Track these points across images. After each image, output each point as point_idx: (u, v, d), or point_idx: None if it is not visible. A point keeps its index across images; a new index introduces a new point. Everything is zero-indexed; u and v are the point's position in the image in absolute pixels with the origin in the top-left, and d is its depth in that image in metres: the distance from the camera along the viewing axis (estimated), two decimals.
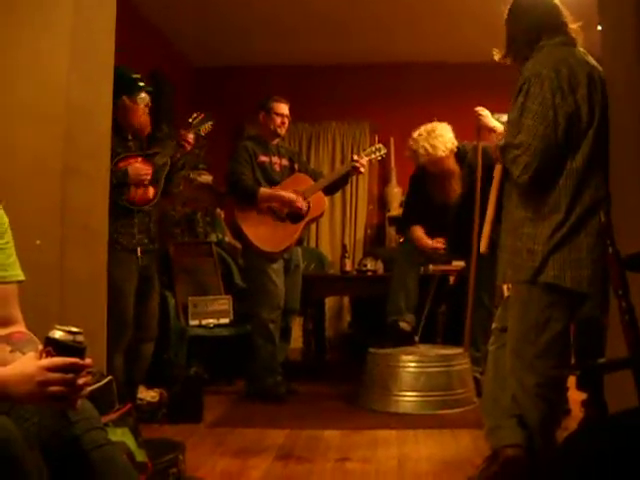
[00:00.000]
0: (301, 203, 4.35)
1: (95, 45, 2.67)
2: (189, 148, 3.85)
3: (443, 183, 4.33)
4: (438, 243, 4.41)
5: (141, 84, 3.69)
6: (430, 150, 4.19)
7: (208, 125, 3.91)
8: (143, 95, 3.68)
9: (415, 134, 4.30)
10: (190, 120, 3.88)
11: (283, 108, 4.45)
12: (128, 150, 3.65)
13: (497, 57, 2.67)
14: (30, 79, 2.47)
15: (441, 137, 4.22)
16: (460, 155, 4.33)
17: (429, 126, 4.29)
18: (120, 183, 3.45)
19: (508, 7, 2.64)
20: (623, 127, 2.33)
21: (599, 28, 2.53)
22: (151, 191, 3.65)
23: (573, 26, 2.52)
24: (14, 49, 2.46)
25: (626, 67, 2.31)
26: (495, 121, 3.74)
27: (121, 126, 3.58)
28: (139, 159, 3.64)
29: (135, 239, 3.62)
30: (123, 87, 3.43)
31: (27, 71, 2.47)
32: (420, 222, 4.49)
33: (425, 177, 4.41)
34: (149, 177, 3.61)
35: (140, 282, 3.68)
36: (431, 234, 4.45)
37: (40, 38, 2.48)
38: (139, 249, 3.64)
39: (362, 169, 4.47)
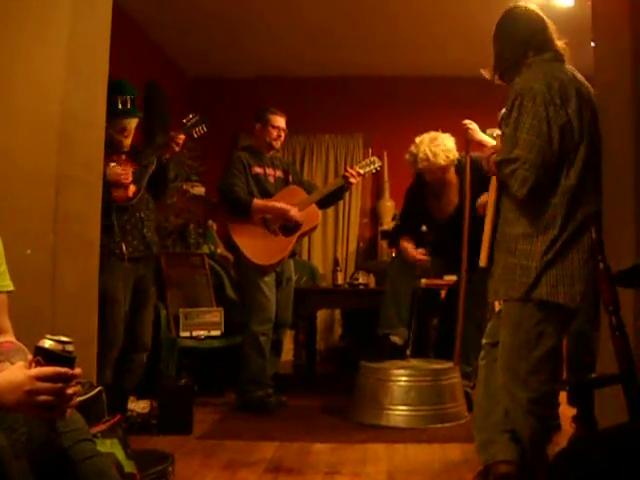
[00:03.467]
0: (295, 213, 4.31)
1: (90, 54, 2.68)
2: (177, 149, 3.81)
3: (440, 193, 4.31)
4: (421, 254, 4.38)
5: (122, 107, 3.58)
6: (430, 156, 4.17)
7: (201, 128, 3.86)
8: (125, 120, 3.60)
9: (417, 139, 4.28)
10: (185, 121, 3.84)
11: (280, 121, 4.43)
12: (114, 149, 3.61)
13: (488, 76, 2.68)
14: (26, 87, 2.48)
15: (443, 146, 4.21)
16: (460, 169, 4.31)
17: (432, 134, 4.28)
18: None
19: (496, 24, 2.65)
20: (615, 143, 2.35)
21: (592, 44, 2.55)
22: (131, 189, 3.61)
23: (559, 43, 2.54)
24: (11, 58, 2.47)
25: (619, 83, 2.33)
26: (483, 134, 3.74)
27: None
28: (122, 157, 3.60)
29: (121, 242, 3.58)
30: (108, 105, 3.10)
31: (23, 79, 2.48)
32: (413, 234, 4.48)
33: (422, 188, 4.40)
34: (129, 179, 3.58)
35: (134, 292, 3.64)
36: (424, 247, 4.44)
37: (36, 47, 2.49)
38: (126, 253, 3.61)
39: (352, 179, 4.44)
